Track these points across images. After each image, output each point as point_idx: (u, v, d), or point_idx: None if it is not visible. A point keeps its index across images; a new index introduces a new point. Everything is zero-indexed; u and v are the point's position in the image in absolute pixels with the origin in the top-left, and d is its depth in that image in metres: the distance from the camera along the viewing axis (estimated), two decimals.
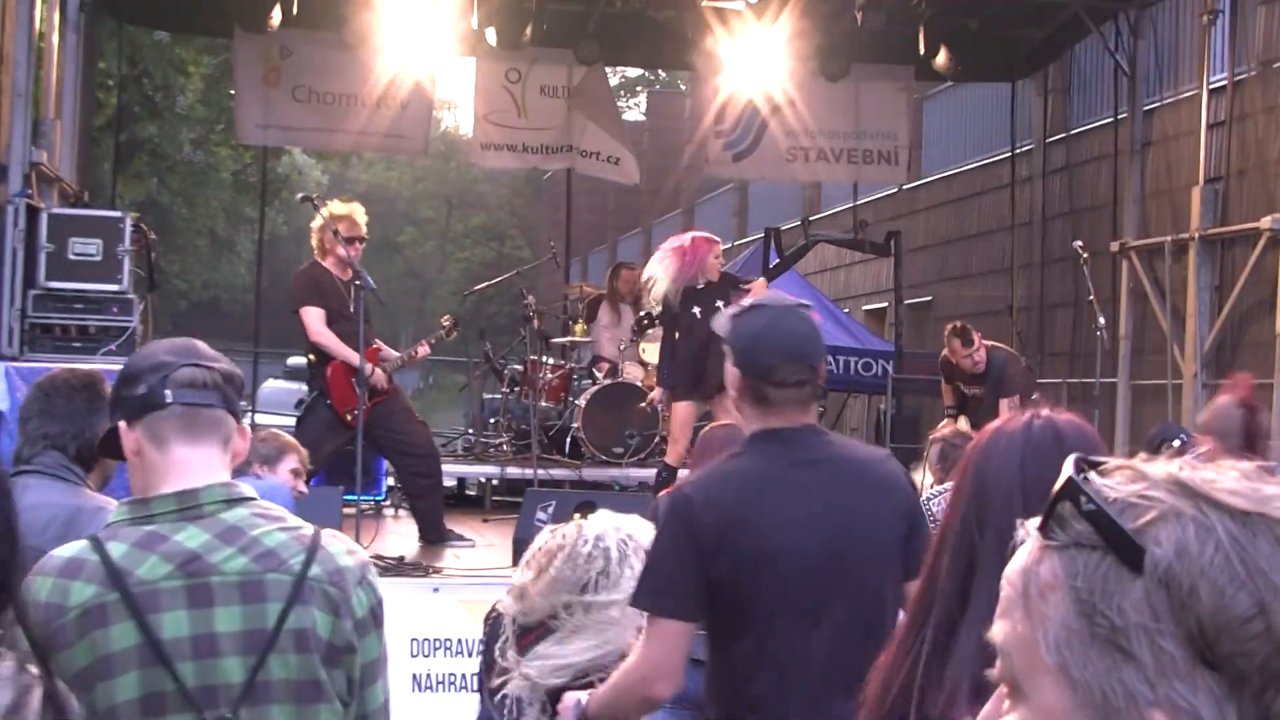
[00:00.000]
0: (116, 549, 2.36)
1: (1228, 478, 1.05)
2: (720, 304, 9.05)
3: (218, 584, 2.37)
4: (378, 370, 8.81)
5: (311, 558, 2.43)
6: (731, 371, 3.46)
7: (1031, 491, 2.14)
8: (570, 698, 3.35)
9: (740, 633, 3.33)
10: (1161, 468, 1.07)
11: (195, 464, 2.45)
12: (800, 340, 3.43)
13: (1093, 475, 1.08)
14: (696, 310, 9.23)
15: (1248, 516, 1.02)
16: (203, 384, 2.48)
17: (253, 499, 2.51)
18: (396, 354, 9.38)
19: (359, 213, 9.09)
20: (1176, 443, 6.26)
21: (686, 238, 9.63)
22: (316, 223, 8.87)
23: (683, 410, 9.54)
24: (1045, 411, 2.30)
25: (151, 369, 2.48)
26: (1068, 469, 1.09)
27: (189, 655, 2.33)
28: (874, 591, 3.33)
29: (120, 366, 2.64)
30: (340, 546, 2.52)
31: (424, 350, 9.67)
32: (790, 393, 3.39)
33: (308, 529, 2.51)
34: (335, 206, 9.03)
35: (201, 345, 2.59)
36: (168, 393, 2.45)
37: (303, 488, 5.26)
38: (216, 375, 2.50)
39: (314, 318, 8.85)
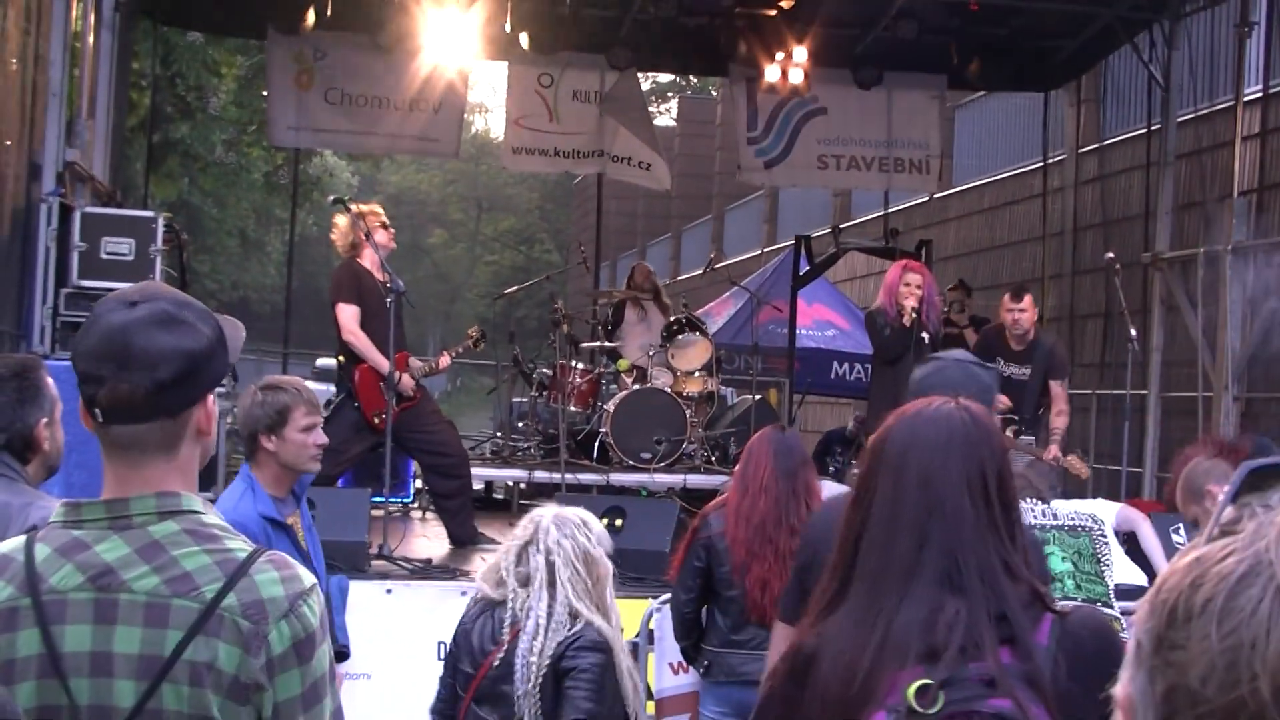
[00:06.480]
0: (41, 551, 2.28)
1: None
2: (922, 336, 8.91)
3: (125, 601, 2.24)
4: (405, 375, 8.80)
5: (230, 586, 2.25)
6: None
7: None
8: None
9: None
10: None
11: (133, 476, 2.32)
12: (956, 385, 3.27)
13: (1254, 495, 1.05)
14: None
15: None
16: (129, 402, 2.27)
17: (190, 513, 2.32)
18: (420, 363, 9.34)
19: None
20: None
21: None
22: (343, 220, 8.78)
23: None
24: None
25: (84, 378, 2.30)
26: (1237, 477, 1.08)
27: (85, 672, 2.24)
28: None
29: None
30: (272, 574, 2.30)
31: (446, 361, 9.62)
32: None
33: (241, 552, 2.30)
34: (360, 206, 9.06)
35: (140, 338, 2.27)
36: (97, 412, 2.28)
37: (321, 440, 4.71)
38: (149, 388, 2.27)
39: (348, 316, 8.73)
